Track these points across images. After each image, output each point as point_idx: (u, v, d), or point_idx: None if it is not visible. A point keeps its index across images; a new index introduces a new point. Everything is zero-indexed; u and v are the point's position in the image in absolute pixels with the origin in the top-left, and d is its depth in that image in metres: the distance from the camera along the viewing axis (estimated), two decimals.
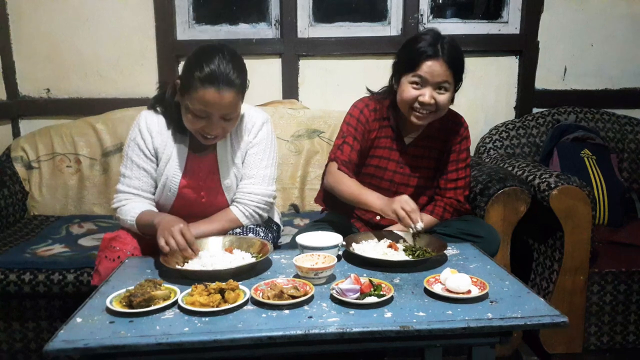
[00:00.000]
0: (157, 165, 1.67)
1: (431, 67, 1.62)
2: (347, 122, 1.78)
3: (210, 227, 1.63)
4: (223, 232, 1.64)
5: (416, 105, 1.66)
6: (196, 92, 1.49)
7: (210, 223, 1.65)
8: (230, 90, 1.50)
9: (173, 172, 1.66)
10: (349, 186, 1.68)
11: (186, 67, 1.54)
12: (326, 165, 1.80)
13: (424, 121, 1.70)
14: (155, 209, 1.66)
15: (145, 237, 1.60)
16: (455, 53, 1.65)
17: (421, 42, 1.64)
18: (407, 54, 1.68)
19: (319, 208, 2.05)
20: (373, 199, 1.62)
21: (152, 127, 1.65)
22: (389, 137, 1.80)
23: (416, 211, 1.52)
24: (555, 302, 1.98)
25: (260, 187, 1.69)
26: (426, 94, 1.64)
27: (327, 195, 1.81)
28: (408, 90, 1.66)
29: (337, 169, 1.72)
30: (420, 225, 1.51)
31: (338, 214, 1.87)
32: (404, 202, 1.52)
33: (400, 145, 1.80)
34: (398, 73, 1.71)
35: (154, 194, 1.69)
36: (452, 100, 1.74)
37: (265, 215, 1.73)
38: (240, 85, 1.53)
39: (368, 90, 1.85)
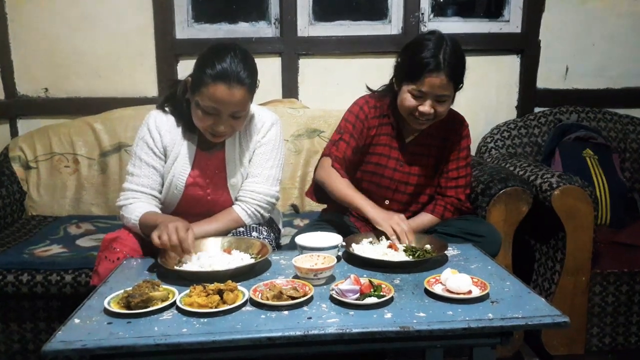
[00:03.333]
0: (165, 162, 1.67)
1: (432, 82, 1.60)
2: (346, 119, 1.79)
3: (213, 226, 1.63)
4: (226, 232, 1.64)
5: (416, 113, 1.66)
6: (207, 89, 1.50)
7: (213, 222, 1.65)
8: (241, 87, 1.51)
9: (181, 169, 1.66)
10: (341, 186, 1.69)
11: (198, 64, 1.56)
12: (319, 159, 1.80)
13: (424, 126, 1.72)
14: (159, 211, 1.65)
15: (146, 238, 1.59)
16: (457, 63, 1.63)
17: (424, 52, 1.60)
18: (409, 61, 1.66)
19: (319, 208, 2.05)
20: (365, 204, 1.64)
21: (161, 125, 1.66)
22: (389, 134, 1.79)
23: (410, 233, 1.54)
24: (557, 302, 1.97)
25: (263, 187, 1.69)
26: (426, 105, 1.64)
27: (318, 189, 1.81)
28: (408, 99, 1.65)
29: (331, 165, 1.72)
30: (403, 246, 1.53)
31: (337, 213, 1.86)
32: (401, 221, 1.56)
33: (400, 143, 1.80)
34: (399, 79, 1.70)
35: (161, 192, 1.69)
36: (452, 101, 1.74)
37: (267, 215, 1.73)
38: (250, 84, 1.54)
39: (368, 88, 1.85)
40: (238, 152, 1.70)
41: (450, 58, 1.60)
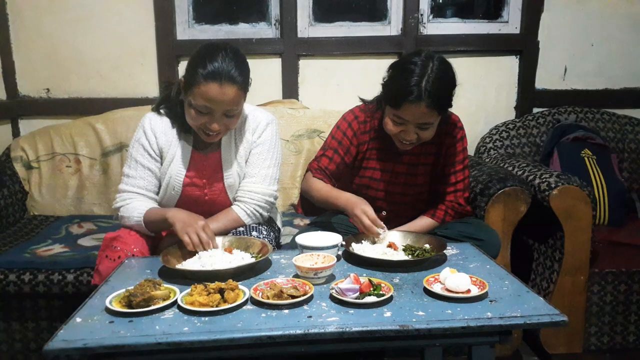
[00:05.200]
0: (162, 164, 1.68)
1: (412, 111, 1.55)
2: (333, 135, 1.78)
3: (213, 226, 1.63)
4: (226, 232, 1.65)
5: (399, 137, 1.65)
6: (199, 88, 1.51)
7: (213, 222, 1.65)
8: (232, 86, 1.52)
9: (177, 170, 1.67)
10: (320, 188, 1.70)
11: (190, 65, 1.57)
12: (304, 174, 1.82)
13: (408, 148, 1.69)
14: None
15: (151, 234, 1.61)
16: (440, 90, 1.54)
17: (407, 78, 1.54)
18: (392, 86, 1.61)
19: (313, 216, 2.04)
20: (341, 198, 1.63)
21: (156, 127, 1.67)
22: (382, 148, 1.77)
23: (375, 221, 1.52)
24: (556, 302, 1.98)
25: (261, 186, 1.70)
26: (408, 132, 1.61)
27: (305, 202, 1.82)
28: (390, 124, 1.63)
29: (313, 176, 1.74)
30: (382, 234, 1.53)
31: (336, 213, 1.86)
32: (363, 215, 1.52)
33: (393, 155, 1.77)
34: (384, 99, 1.66)
35: (157, 194, 1.70)
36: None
37: (266, 214, 1.74)
38: (242, 83, 1.55)
39: (361, 99, 1.81)
40: (234, 152, 1.71)
41: (433, 86, 1.52)
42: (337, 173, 1.76)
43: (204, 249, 1.44)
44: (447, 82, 1.58)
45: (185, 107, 1.59)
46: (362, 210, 1.53)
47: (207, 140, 1.63)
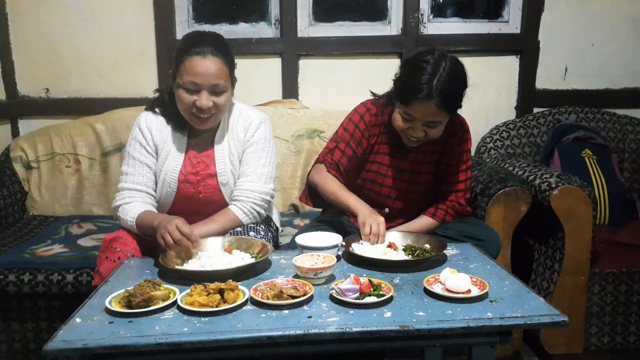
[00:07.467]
0: (157, 161, 1.70)
1: (422, 109, 1.56)
2: (345, 127, 1.77)
3: (211, 227, 1.64)
4: (224, 232, 1.65)
5: (407, 134, 1.65)
6: (184, 65, 1.56)
7: (211, 223, 1.66)
8: (216, 58, 1.56)
9: (172, 166, 1.68)
10: (333, 185, 1.69)
11: (176, 53, 1.63)
12: (313, 164, 1.81)
13: (415, 145, 1.69)
14: (155, 210, 1.67)
15: (146, 238, 1.60)
16: (451, 90, 1.55)
17: (419, 76, 1.54)
18: (403, 82, 1.61)
19: (319, 208, 2.05)
20: (352, 200, 1.63)
21: (151, 125, 1.70)
22: (390, 143, 1.78)
23: (382, 237, 1.52)
24: (556, 302, 1.97)
25: (256, 185, 1.71)
26: (416, 129, 1.61)
27: (313, 193, 1.80)
28: (399, 120, 1.63)
29: (327, 171, 1.73)
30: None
31: (336, 213, 1.86)
32: (375, 223, 1.52)
33: (400, 151, 1.77)
34: (395, 95, 1.66)
35: (156, 190, 1.70)
36: None
37: (263, 213, 1.75)
38: (225, 58, 1.59)
39: (372, 93, 1.82)
40: (227, 152, 1.72)
41: (444, 85, 1.53)
42: (348, 167, 1.76)
43: (187, 247, 1.43)
44: (458, 82, 1.59)
45: (175, 96, 1.62)
46: (378, 221, 1.53)
47: (199, 126, 1.64)
